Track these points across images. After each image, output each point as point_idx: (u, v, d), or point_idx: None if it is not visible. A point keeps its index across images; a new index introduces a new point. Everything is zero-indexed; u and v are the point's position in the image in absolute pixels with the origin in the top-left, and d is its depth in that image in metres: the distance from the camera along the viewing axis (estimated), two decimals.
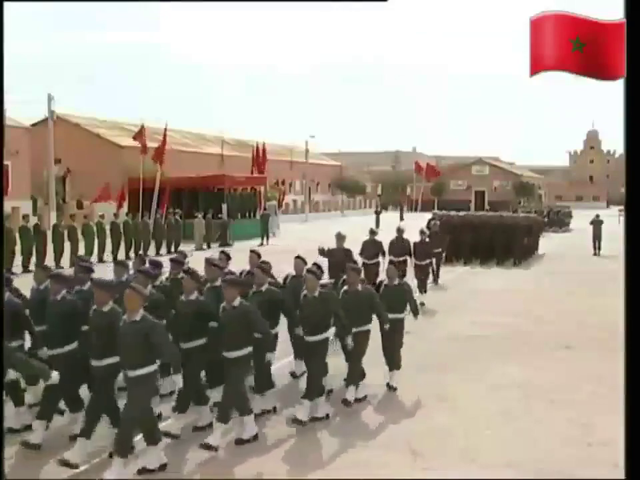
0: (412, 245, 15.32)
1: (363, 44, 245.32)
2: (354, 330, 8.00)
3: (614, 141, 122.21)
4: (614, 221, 33.63)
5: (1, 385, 6.02)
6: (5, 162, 35.70)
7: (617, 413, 5.51)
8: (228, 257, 9.35)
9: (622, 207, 38.16)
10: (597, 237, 27.52)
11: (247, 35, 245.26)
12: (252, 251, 9.52)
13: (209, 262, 8.22)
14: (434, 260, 17.20)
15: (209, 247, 28.73)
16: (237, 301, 7.01)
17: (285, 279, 9.10)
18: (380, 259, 14.32)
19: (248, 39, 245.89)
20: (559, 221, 43.22)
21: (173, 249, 26.62)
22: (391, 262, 14.56)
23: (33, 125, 42.07)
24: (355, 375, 8.31)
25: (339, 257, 12.32)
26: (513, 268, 22.61)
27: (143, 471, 6.19)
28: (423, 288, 15.22)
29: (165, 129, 34.47)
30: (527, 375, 9.63)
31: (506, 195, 79.44)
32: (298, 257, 9.24)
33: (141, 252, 22.76)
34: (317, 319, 7.67)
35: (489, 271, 21.89)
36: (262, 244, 30.82)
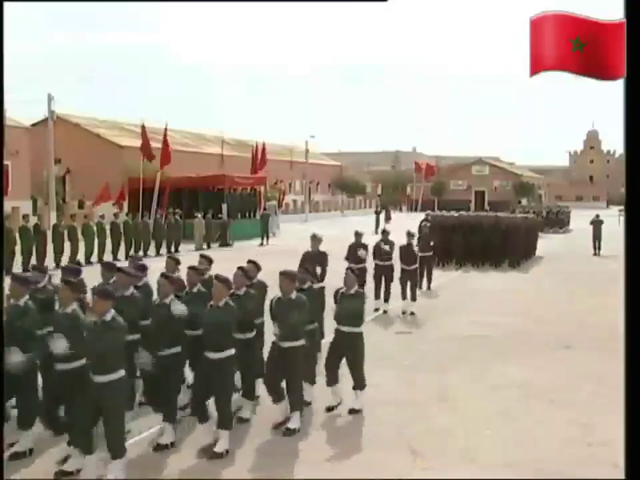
0: (398, 248, 14.48)
1: (363, 44, 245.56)
2: (286, 344, 7.20)
3: (614, 141, 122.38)
4: (614, 221, 33.60)
5: (1, 386, 6.01)
6: (5, 162, 35.70)
7: (617, 413, 5.51)
8: (210, 261, 8.87)
9: (622, 207, 38.10)
10: (596, 237, 27.45)
11: (247, 35, 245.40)
12: (202, 256, 8.97)
13: (190, 267, 7.93)
14: (425, 265, 16.50)
15: (209, 246, 28.73)
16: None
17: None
18: (366, 263, 13.70)
19: (248, 39, 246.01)
20: (558, 222, 42.43)
21: (173, 249, 26.67)
22: (377, 266, 14.16)
23: (33, 125, 42.10)
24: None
25: (313, 260, 11.00)
26: (509, 271, 21.69)
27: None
28: (412, 295, 14.36)
29: (165, 129, 34.46)
30: (526, 375, 9.63)
31: (506, 194, 79.45)
32: (249, 262, 8.35)
33: (132, 253, 22.61)
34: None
35: (484, 275, 20.81)
36: (262, 244, 30.83)
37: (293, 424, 7.28)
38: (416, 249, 15.10)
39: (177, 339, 6.99)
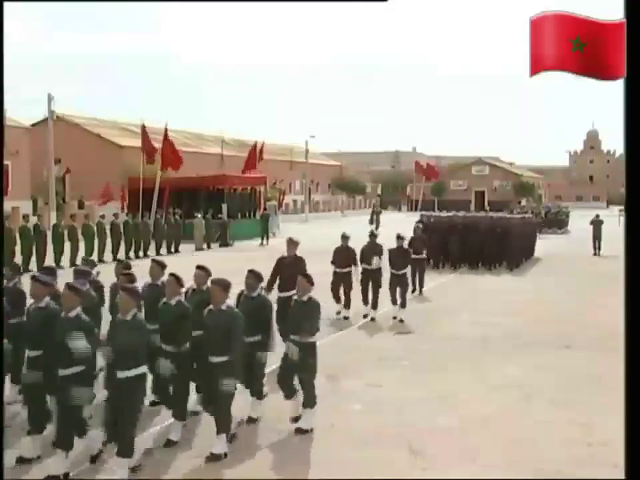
0: (388, 251, 13.76)
1: (363, 44, 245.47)
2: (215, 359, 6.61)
3: (614, 141, 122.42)
4: (614, 221, 33.56)
5: (1, 385, 6.01)
6: (5, 162, 35.72)
7: (617, 413, 5.51)
8: (163, 267, 8.21)
9: (622, 207, 38.04)
10: (596, 237, 27.41)
11: (247, 35, 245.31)
12: (153, 260, 8.55)
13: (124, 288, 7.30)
14: (417, 268, 15.93)
15: (208, 247, 28.76)
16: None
17: (186, 293, 7.70)
18: (352, 267, 13.24)
19: (248, 39, 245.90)
20: (557, 222, 41.85)
21: (173, 249, 26.68)
22: (364, 270, 13.37)
23: (33, 125, 42.13)
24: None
25: (288, 267, 10.25)
26: (505, 274, 20.91)
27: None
28: (402, 301, 13.58)
29: (166, 129, 34.45)
30: (527, 375, 9.63)
31: (506, 195, 79.50)
32: (199, 267, 7.91)
33: (118, 256, 22.31)
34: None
35: (479, 278, 20.02)
36: (262, 244, 30.84)
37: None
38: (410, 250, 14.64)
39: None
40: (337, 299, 13.45)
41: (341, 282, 13.36)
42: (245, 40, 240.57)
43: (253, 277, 7.65)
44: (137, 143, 36.51)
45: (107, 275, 9.03)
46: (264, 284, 8.12)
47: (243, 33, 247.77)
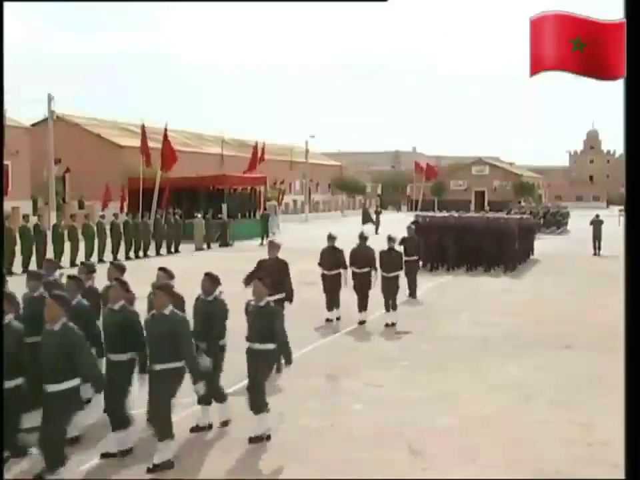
0: (378, 254, 13.14)
1: (363, 44, 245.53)
2: (157, 367, 6.35)
3: (614, 141, 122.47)
4: (614, 221, 33.54)
5: (0, 385, 6.00)
6: (5, 162, 35.73)
7: (617, 413, 5.51)
8: (123, 270, 8.14)
9: (622, 207, 38.01)
10: (596, 237, 27.38)
11: (247, 35, 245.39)
12: (111, 263, 8.56)
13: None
14: (409, 270, 15.24)
15: (208, 247, 28.77)
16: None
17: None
18: (341, 270, 12.81)
19: (248, 39, 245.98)
20: (556, 222, 41.51)
21: (173, 249, 26.69)
22: (354, 274, 12.90)
23: (33, 125, 42.13)
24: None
25: (270, 270, 9.65)
26: (501, 275, 20.55)
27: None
28: (393, 304, 13.07)
29: (166, 129, 34.45)
30: (527, 375, 9.63)
31: (506, 194, 79.50)
32: (161, 268, 7.81)
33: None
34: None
35: (475, 280, 19.54)
36: (262, 244, 30.82)
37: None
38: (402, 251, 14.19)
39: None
40: (329, 305, 13.01)
41: (330, 285, 12.94)
42: (245, 40, 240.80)
43: (209, 280, 7.38)
44: (137, 143, 36.49)
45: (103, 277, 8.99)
46: (222, 288, 7.61)
47: (242, 33, 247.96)
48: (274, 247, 10.24)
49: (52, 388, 5.71)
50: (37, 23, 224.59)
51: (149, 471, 6.22)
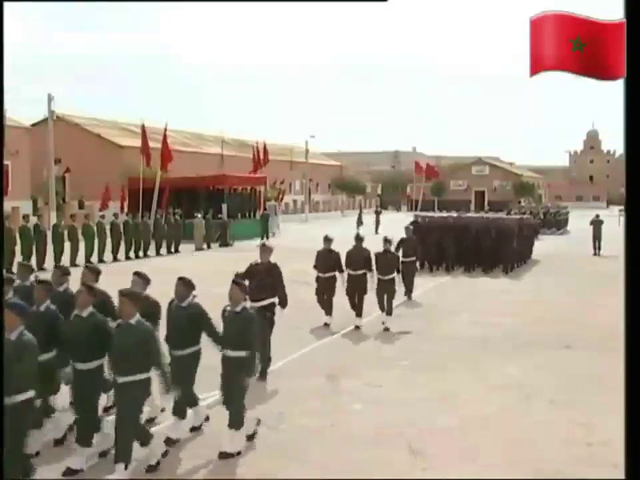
0: (374, 256, 12.75)
1: (363, 44, 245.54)
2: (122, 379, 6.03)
3: (614, 141, 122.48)
4: (614, 221, 33.54)
5: (0, 385, 6.00)
6: (5, 162, 35.73)
7: (617, 413, 5.51)
8: (97, 273, 7.86)
9: (622, 207, 37.99)
10: (596, 237, 27.39)
11: (247, 35, 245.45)
12: (86, 266, 8.26)
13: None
14: (406, 272, 14.80)
15: (208, 246, 28.77)
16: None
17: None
18: (336, 272, 12.51)
19: (248, 39, 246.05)
20: (556, 222, 41.40)
21: (173, 249, 26.69)
22: (349, 276, 12.57)
23: (33, 125, 42.13)
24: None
25: (261, 273, 9.41)
26: (500, 276, 20.30)
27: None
28: (388, 308, 12.68)
29: (165, 129, 34.47)
30: (527, 375, 9.63)
31: (506, 195, 79.53)
32: (136, 273, 7.50)
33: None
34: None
35: (473, 281, 19.27)
36: None
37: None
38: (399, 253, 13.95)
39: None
40: (324, 308, 12.74)
41: (324, 288, 12.63)
42: (245, 40, 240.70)
43: (183, 284, 7.08)
44: (137, 143, 36.52)
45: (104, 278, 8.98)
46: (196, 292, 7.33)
47: (242, 33, 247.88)
48: (266, 250, 9.75)
49: (7, 400, 5.42)
50: (37, 23, 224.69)
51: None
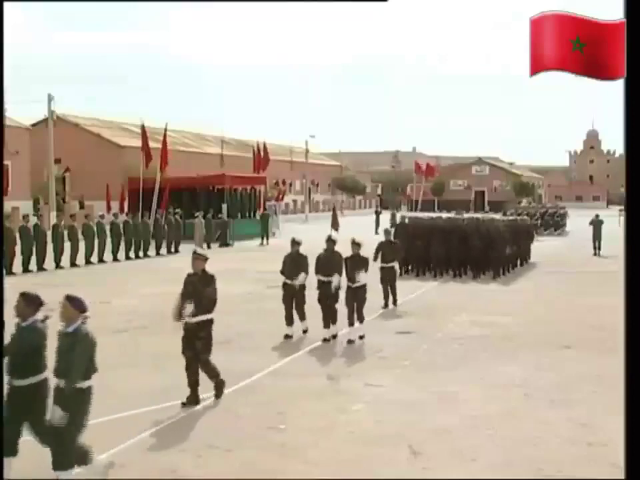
0: (344, 260, 11.41)
1: (363, 44, 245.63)
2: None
3: (614, 141, 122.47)
4: (614, 221, 33.48)
5: (0, 388, 6.00)
6: (5, 162, 35.74)
7: (617, 413, 5.52)
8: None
9: (622, 207, 37.93)
10: (596, 237, 27.30)
11: (247, 35, 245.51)
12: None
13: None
14: (387, 278, 14.15)
15: (208, 246, 28.76)
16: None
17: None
18: (301, 276, 11.32)
19: (248, 39, 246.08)
20: (554, 223, 40.80)
21: (173, 249, 26.70)
22: (318, 282, 11.39)
23: (33, 125, 42.14)
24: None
25: (197, 284, 8.44)
26: (490, 282, 19.01)
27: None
28: (359, 317, 11.48)
29: (165, 129, 34.48)
30: (527, 375, 9.62)
31: (506, 194, 79.51)
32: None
33: (118, 256, 21.99)
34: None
35: (461, 287, 18.18)
36: (262, 244, 30.87)
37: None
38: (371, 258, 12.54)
39: None
40: (288, 319, 11.47)
41: (291, 296, 11.45)
42: (245, 40, 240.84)
43: (23, 301, 5.85)
44: (137, 143, 36.55)
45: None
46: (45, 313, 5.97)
47: (243, 33, 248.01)
48: (198, 259, 8.27)
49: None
50: (37, 23, 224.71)
51: None
